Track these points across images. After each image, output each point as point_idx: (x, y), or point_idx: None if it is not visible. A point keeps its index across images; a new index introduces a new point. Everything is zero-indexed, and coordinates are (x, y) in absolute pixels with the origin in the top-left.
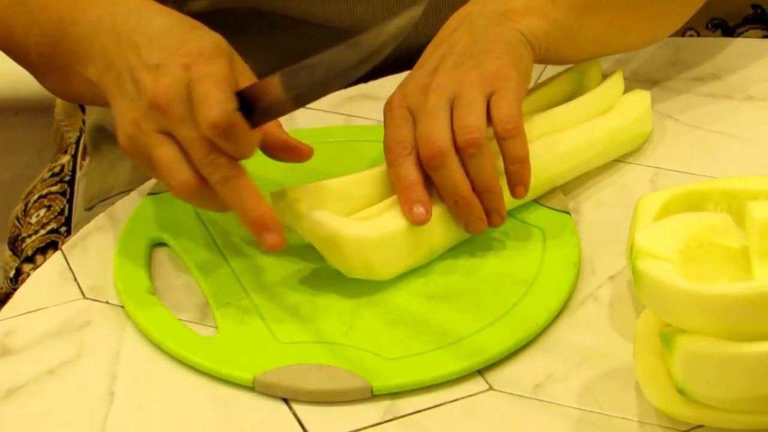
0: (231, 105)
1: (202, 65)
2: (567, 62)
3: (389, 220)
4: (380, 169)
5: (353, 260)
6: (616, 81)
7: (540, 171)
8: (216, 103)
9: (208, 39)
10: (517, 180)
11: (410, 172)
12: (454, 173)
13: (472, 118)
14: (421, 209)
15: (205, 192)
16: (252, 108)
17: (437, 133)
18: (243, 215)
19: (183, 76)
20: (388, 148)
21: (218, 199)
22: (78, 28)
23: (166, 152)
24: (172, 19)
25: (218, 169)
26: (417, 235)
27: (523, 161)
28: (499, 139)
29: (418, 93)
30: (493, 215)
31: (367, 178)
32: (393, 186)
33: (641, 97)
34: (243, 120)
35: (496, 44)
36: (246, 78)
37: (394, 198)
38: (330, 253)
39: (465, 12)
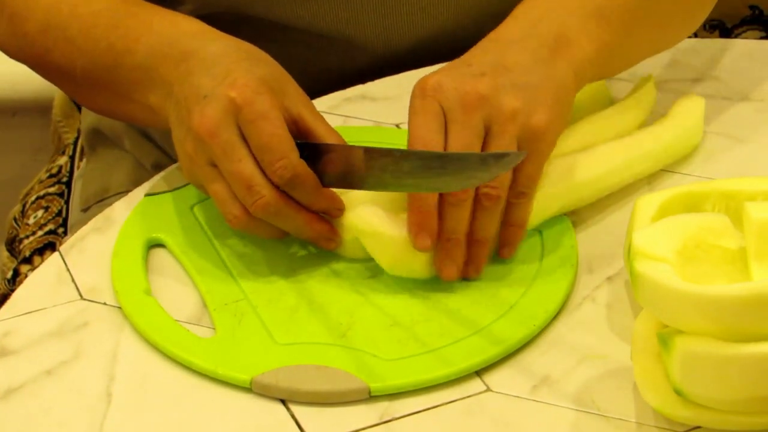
0: (294, 155)
1: (251, 104)
2: (593, 81)
3: None
4: None
5: (395, 259)
6: (649, 89)
7: (577, 190)
8: (279, 157)
9: (256, 71)
10: (507, 241)
11: (430, 195)
12: (464, 215)
13: (504, 173)
14: (426, 241)
15: (259, 222)
16: (318, 157)
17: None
18: (300, 236)
19: (228, 108)
20: (413, 144)
21: (274, 226)
22: (134, 59)
23: (217, 187)
24: (226, 45)
25: (257, 202)
26: None
27: (522, 226)
28: (510, 197)
29: (458, 96)
30: (471, 267)
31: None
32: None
33: (696, 104)
34: (308, 169)
35: (549, 90)
36: (299, 104)
37: None
38: (374, 249)
39: (519, 31)
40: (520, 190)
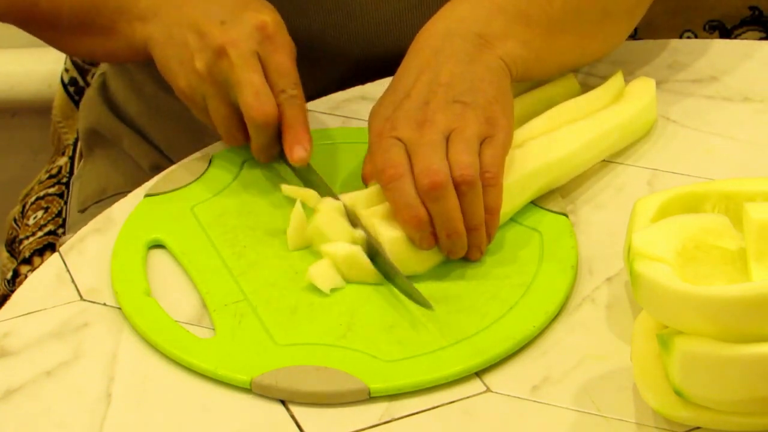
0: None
1: (278, 33)
2: (530, 80)
3: None
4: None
5: (393, 259)
6: (617, 80)
7: (549, 169)
8: (293, 81)
9: (267, 10)
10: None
11: (411, 194)
12: (451, 206)
13: (468, 156)
14: (432, 240)
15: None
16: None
17: (438, 164)
18: (259, 151)
19: (254, 32)
20: (382, 169)
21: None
22: None
23: (221, 108)
24: None
25: (261, 108)
26: None
27: (494, 213)
28: (481, 181)
29: (412, 127)
30: (473, 250)
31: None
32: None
33: (647, 85)
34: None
35: (486, 83)
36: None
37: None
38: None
39: (443, 30)
40: (486, 170)
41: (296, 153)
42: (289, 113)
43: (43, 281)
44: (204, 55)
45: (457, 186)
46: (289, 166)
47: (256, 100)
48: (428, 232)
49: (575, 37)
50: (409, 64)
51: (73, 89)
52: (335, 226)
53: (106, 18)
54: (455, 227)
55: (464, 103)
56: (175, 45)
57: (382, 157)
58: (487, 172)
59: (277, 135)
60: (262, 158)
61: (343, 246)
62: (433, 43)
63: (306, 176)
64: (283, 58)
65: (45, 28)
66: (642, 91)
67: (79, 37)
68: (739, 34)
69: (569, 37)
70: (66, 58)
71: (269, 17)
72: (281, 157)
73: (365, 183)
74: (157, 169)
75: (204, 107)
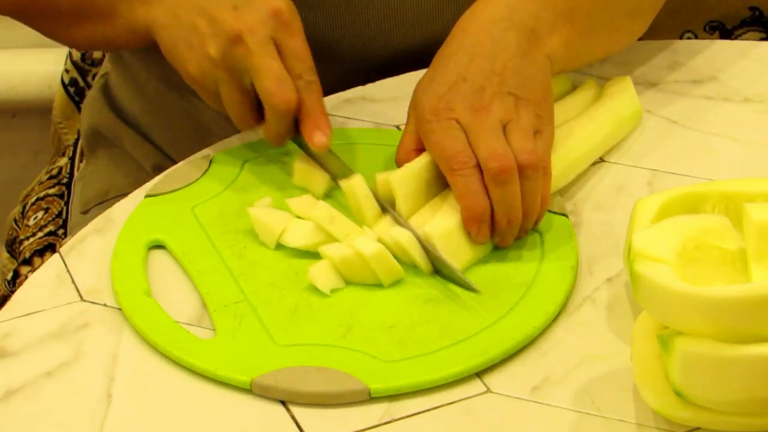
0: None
1: (294, 20)
2: (556, 74)
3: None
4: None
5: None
6: (590, 86)
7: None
8: (309, 66)
9: None
10: (533, 213)
11: (479, 183)
12: (516, 192)
13: (531, 144)
14: (487, 232)
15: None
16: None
17: (503, 148)
18: (276, 134)
19: (268, 18)
20: (450, 157)
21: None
22: None
23: (233, 93)
24: None
25: (285, 96)
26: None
27: (545, 202)
28: None
29: (469, 111)
30: (521, 234)
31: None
32: (455, 195)
33: (623, 80)
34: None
35: (536, 80)
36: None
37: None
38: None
39: (497, 16)
40: (542, 164)
41: (317, 139)
42: (308, 99)
43: (43, 282)
44: (218, 41)
45: (522, 170)
46: (305, 151)
47: (277, 87)
48: (486, 224)
49: (607, 32)
50: (463, 43)
51: (74, 90)
52: (366, 202)
53: (106, 1)
54: (516, 214)
55: (517, 96)
56: (183, 29)
57: (444, 138)
58: (544, 161)
59: (294, 120)
60: (275, 143)
61: (342, 247)
62: (488, 28)
63: (324, 161)
64: (299, 43)
65: (43, 16)
66: (620, 86)
67: (78, 24)
68: (740, 35)
69: (603, 32)
70: (66, 58)
71: (282, 2)
72: (294, 141)
73: (399, 161)
74: (159, 169)
75: (215, 92)
